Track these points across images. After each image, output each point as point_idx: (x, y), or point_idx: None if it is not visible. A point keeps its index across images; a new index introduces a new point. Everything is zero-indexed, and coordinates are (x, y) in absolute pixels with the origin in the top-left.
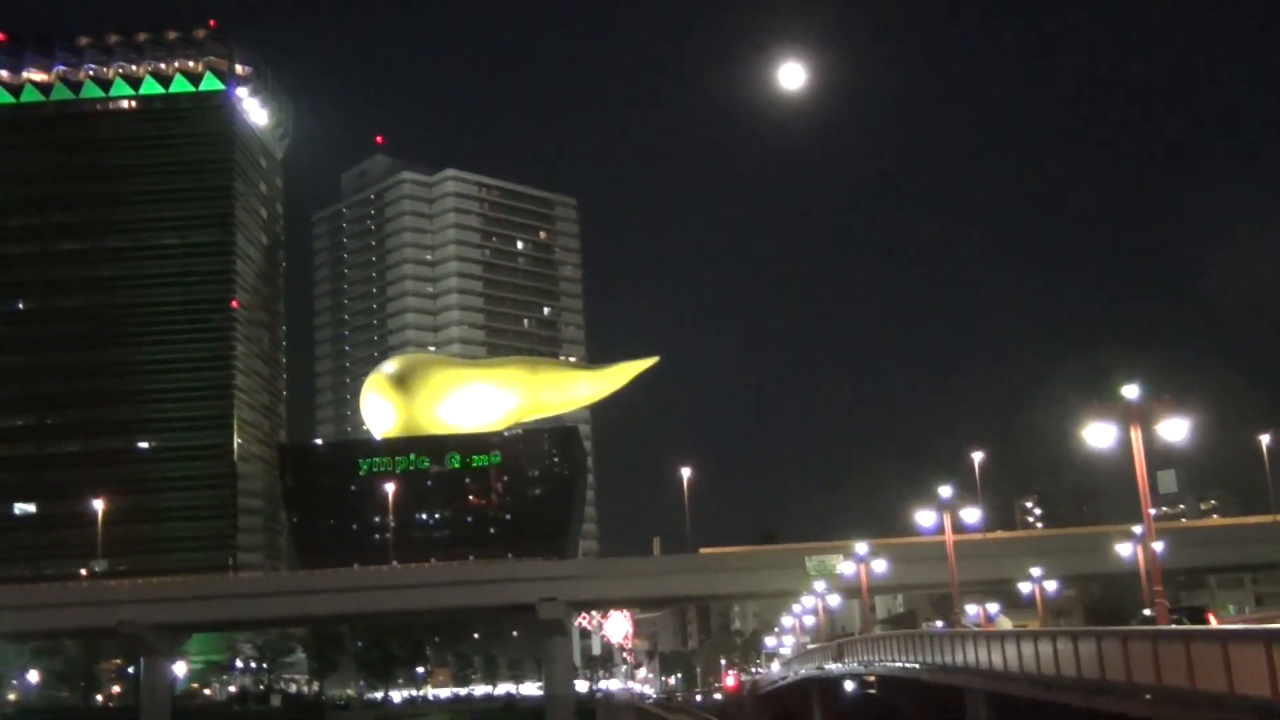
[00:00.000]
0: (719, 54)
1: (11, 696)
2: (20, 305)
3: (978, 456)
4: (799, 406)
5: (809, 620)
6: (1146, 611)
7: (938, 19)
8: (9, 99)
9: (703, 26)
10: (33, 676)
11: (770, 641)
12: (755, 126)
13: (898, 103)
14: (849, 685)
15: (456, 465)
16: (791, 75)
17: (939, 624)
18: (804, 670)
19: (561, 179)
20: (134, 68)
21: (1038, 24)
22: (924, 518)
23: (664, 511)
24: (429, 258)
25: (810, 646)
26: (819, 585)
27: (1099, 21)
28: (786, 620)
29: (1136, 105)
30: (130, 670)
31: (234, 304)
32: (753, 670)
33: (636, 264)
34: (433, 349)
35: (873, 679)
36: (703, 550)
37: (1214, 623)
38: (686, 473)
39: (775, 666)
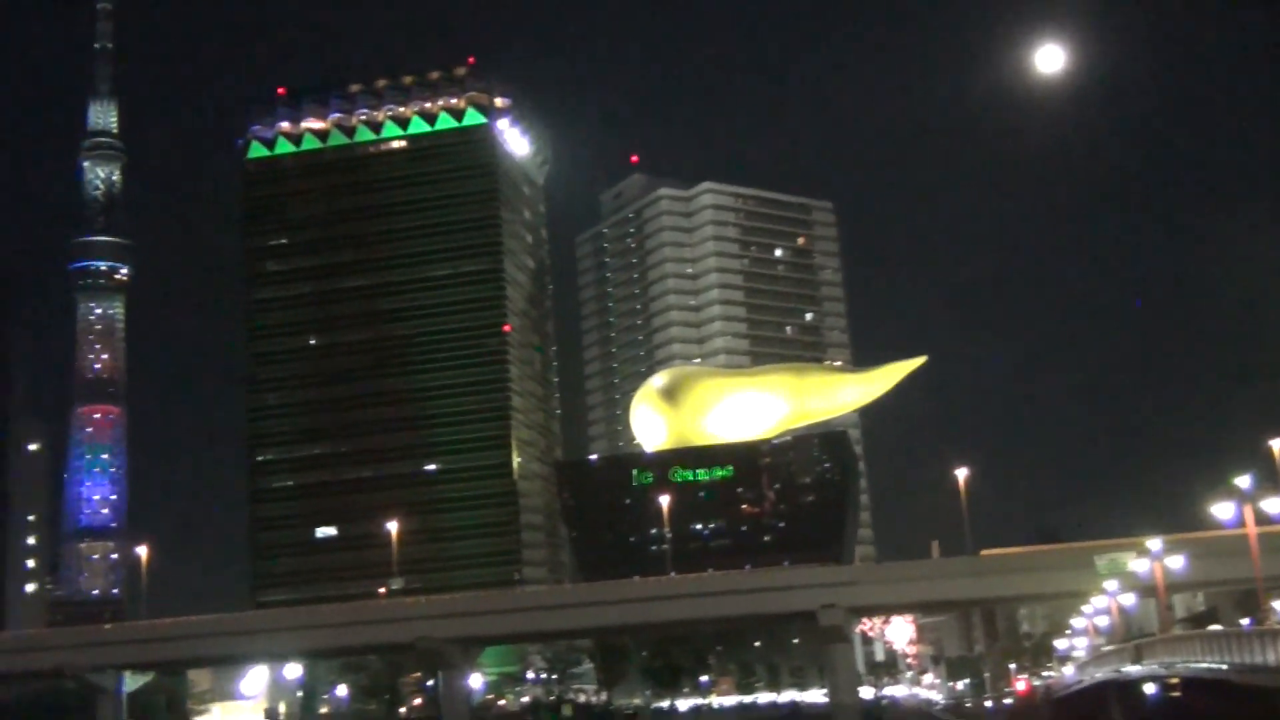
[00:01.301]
0: (968, 41)
1: (324, 710)
2: (311, 341)
3: (1277, 444)
4: (1074, 400)
5: (1102, 621)
6: None
7: None
8: (290, 148)
9: (948, 13)
10: (341, 691)
11: (1061, 644)
12: (1011, 114)
13: (1161, 83)
14: (1150, 688)
15: (728, 475)
16: (1049, 58)
17: (1246, 622)
18: (1100, 673)
19: (816, 183)
20: (402, 109)
21: None
22: (1221, 510)
23: (941, 514)
24: (690, 270)
25: (1106, 649)
26: (1110, 585)
27: None
28: (1078, 622)
29: None
30: (430, 683)
31: (506, 328)
32: (1044, 674)
33: (898, 263)
34: (698, 361)
35: (1175, 681)
36: (983, 552)
37: None
38: (962, 473)
39: (1069, 670)
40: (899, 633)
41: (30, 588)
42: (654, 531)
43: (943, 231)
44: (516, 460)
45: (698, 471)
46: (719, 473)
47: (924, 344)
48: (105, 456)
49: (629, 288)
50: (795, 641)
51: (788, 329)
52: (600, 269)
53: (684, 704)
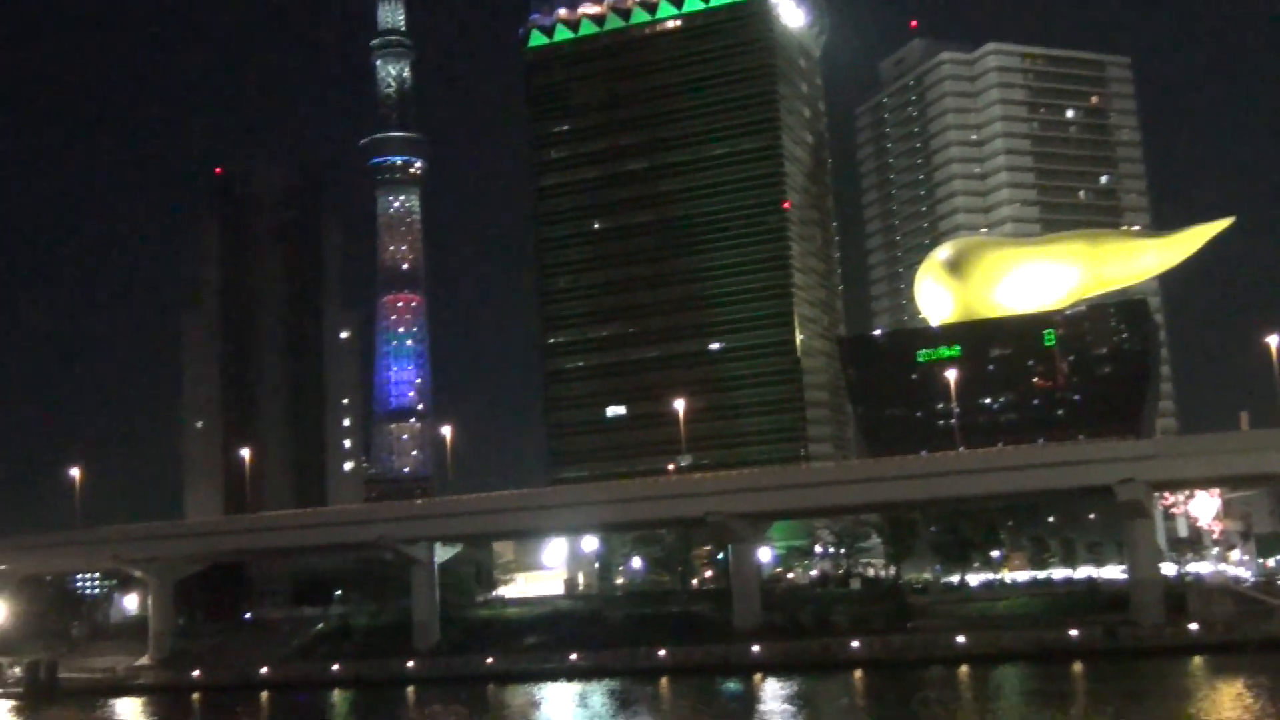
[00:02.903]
0: None
1: (619, 581)
2: (596, 225)
3: None
4: None
5: None
6: None
7: None
8: (568, 34)
9: None
10: (636, 563)
11: None
12: None
13: None
14: None
15: (1018, 348)
16: None
17: None
18: None
19: (1111, 39)
20: None
21: None
22: None
23: (1250, 383)
24: (974, 137)
25: None
26: None
27: None
28: None
29: None
30: (720, 556)
31: (786, 205)
32: None
33: (1200, 120)
34: (984, 231)
35: None
36: None
37: None
38: (1274, 340)
39: None
40: (1204, 507)
41: (348, 466)
42: (941, 406)
43: (1246, 83)
44: (799, 337)
45: (986, 344)
46: (1008, 346)
47: (1231, 204)
48: (409, 343)
49: (911, 158)
50: (1092, 517)
51: (1080, 194)
52: (880, 140)
53: (974, 579)
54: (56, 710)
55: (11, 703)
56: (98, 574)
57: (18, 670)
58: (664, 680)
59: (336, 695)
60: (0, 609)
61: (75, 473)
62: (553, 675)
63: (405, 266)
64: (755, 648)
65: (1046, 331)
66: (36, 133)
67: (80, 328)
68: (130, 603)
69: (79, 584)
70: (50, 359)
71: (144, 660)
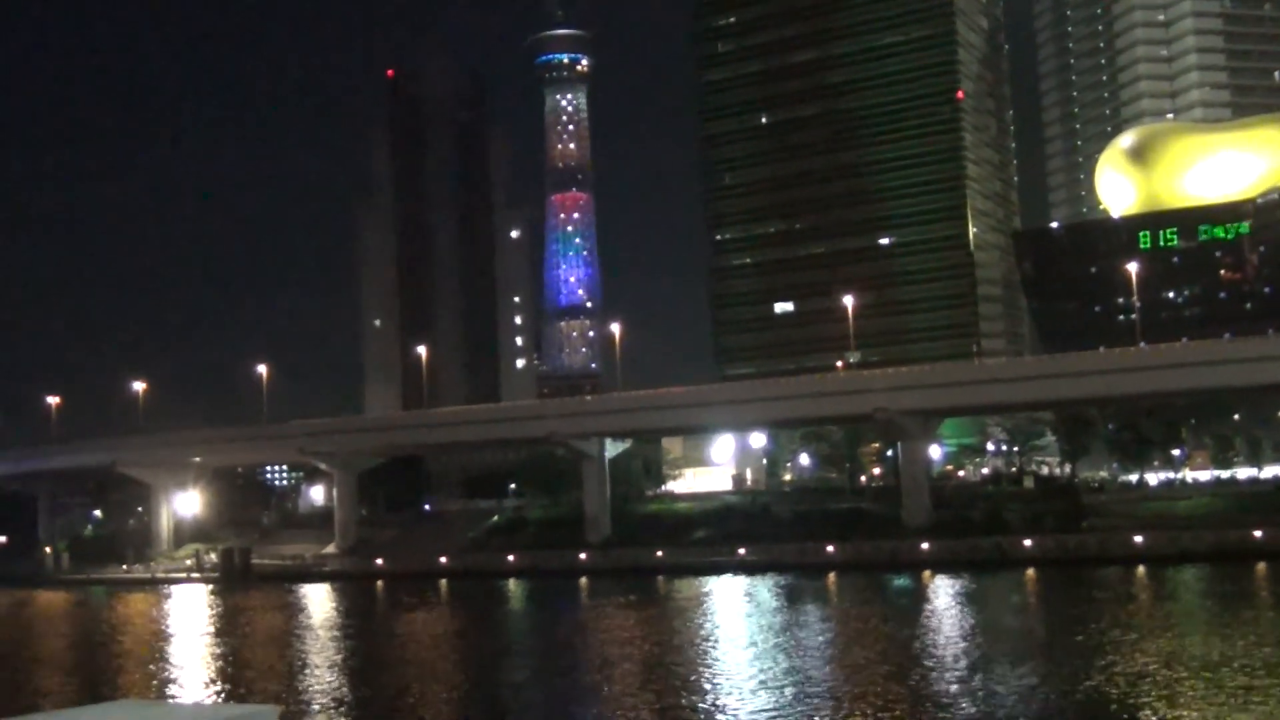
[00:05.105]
0: None
1: (786, 477)
2: (763, 120)
3: None
4: None
5: None
6: None
7: None
8: None
9: None
10: (804, 460)
11: None
12: None
13: None
14: None
15: (1205, 239)
16: None
17: None
18: None
19: None
20: None
21: None
22: None
23: None
24: (1161, 18)
25: None
26: None
27: None
28: None
29: None
30: (889, 453)
31: (959, 95)
32: None
33: None
34: (1171, 116)
35: None
36: None
37: None
38: None
39: None
40: None
41: (520, 363)
42: (1121, 300)
43: None
44: (973, 230)
45: (1170, 235)
46: (1195, 237)
47: None
48: (577, 241)
49: (1092, 41)
50: None
51: (1276, 75)
52: (1060, 23)
53: (1154, 478)
54: (251, 594)
55: (210, 586)
56: (285, 466)
57: (213, 556)
58: (831, 575)
59: (512, 584)
60: (196, 499)
61: (262, 369)
62: (720, 569)
63: (573, 165)
64: (924, 544)
65: (1237, 222)
66: (223, 40)
67: (264, 233)
68: (316, 493)
69: (268, 475)
70: (236, 261)
71: (330, 548)
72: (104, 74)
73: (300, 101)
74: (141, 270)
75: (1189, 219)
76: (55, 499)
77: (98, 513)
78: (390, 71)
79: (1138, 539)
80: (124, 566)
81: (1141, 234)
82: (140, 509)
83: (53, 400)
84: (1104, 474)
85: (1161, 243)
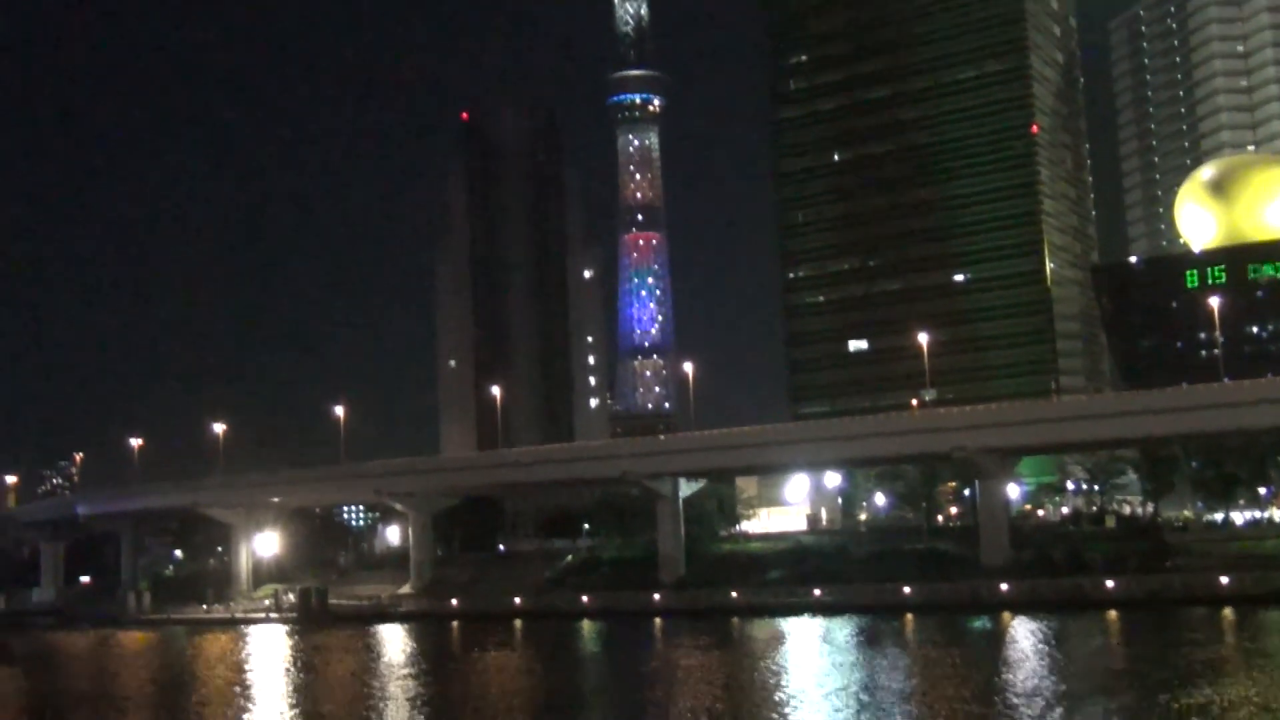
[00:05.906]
0: None
1: (862, 516)
2: (836, 156)
3: None
4: None
5: None
6: None
7: None
8: None
9: None
10: (879, 499)
11: None
12: None
13: None
14: None
15: None
16: None
17: None
18: None
19: None
20: None
21: None
22: None
23: None
24: (1240, 49)
25: None
26: None
27: None
28: None
29: None
30: (966, 492)
31: (1034, 129)
32: None
33: None
34: (1252, 148)
35: None
36: None
37: None
38: None
39: None
40: None
41: (593, 403)
42: (1203, 335)
43: None
44: (1049, 266)
45: (1255, 269)
46: (1278, 270)
47: None
48: (650, 280)
49: (1169, 74)
50: None
51: None
52: (1136, 55)
53: (1239, 516)
54: (328, 634)
55: (287, 627)
56: (361, 506)
57: (291, 596)
58: (909, 616)
59: (586, 625)
60: (275, 540)
61: (340, 410)
62: (796, 610)
63: (646, 204)
64: (1004, 585)
65: None
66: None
67: (341, 275)
68: (392, 534)
69: (345, 516)
70: (312, 304)
71: (405, 589)
72: (192, 123)
73: (377, 145)
74: (222, 316)
75: (1273, 252)
76: (138, 539)
77: (179, 553)
78: (465, 114)
79: (1224, 579)
80: (204, 606)
81: (1224, 267)
82: (220, 549)
83: (135, 442)
84: (1188, 513)
85: (1245, 276)
